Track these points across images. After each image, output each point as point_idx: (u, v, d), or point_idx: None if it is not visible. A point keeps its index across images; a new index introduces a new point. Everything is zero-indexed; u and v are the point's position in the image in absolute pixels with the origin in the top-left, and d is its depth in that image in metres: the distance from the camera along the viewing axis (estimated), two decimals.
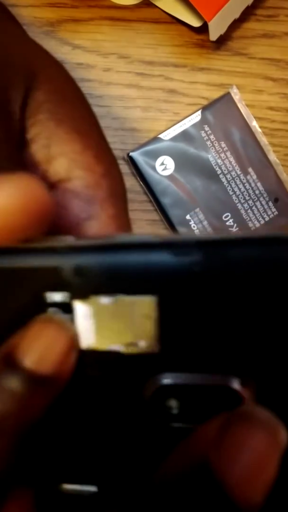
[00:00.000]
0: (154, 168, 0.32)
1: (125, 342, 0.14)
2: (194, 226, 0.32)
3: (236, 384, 0.14)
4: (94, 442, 0.16)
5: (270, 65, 0.33)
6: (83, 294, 0.14)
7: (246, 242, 0.13)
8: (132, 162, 0.32)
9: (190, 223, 0.32)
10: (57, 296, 0.14)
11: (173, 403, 0.15)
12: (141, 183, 0.32)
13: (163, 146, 0.32)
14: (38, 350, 0.14)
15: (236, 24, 0.32)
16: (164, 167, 0.32)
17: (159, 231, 0.33)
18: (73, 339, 0.14)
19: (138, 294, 0.14)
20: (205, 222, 0.32)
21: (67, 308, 0.15)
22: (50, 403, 0.14)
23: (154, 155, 0.32)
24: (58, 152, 0.19)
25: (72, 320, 0.15)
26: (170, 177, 0.32)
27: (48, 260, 0.14)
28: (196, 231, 0.32)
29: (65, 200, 0.19)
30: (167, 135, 0.32)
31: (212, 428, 0.13)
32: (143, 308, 0.14)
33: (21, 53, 0.19)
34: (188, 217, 0.32)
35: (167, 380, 0.15)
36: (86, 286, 0.14)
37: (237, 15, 0.31)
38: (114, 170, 0.20)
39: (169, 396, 0.15)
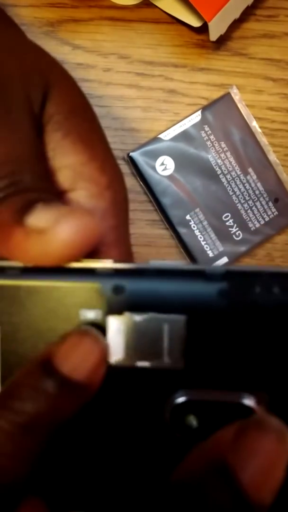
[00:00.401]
0: (154, 168, 0.32)
1: (153, 360, 0.16)
2: (194, 227, 0.32)
3: (251, 402, 0.16)
4: (111, 456, 0.17)
5: (270, 65, 0.33)
6: (118, 310, 0.16)
7: (270, 277, 0.16)
8: (132, 162, 0.32)
9: (190, 223, 0.32)
10: (90, 314, 0.16)
11: (192, 419, 0.16)
12: (141, 183, 0.32)
13: (163, 146, 0.32)
14: (74, 359, 0.15)
15: (236, 24, 0.32)
16: (164, 167, 0.32)
17: (159, 232, 0.33)
18: (105, 352, 0.16)
19: (168, 313, 0.16)
20: (205, 222, 0.32)
21: (98, 326, 0.16)
22: (78, 409, 0.16)
23: (154, 155, 0.32)
24: (63, 164, 0.20)
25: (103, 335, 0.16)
26: (170, 177, 0.32)
27: (88, 279, 0.16)
28: (196, 231, 0.32)
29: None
30: (167, 135, 0.32)
31: (228, 433, 0.14)
32: (172, 326, 0.16)
33: (38, 63, 0.20)
34: (188, 217, 0.32)
35: (187, 396, 0.16)
36: (122, 303, 0.16)
37: (237, 15, 0.31)
38: (117, 182, 0.21)
39: (188, 412, 0.16)
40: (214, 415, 0.16)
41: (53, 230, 0.16)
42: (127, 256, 0.21)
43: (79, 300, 0.16)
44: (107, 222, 0.20)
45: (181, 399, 0.16)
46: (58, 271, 0.16)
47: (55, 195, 0.19)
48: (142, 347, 0.16)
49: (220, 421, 0.16)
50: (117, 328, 0.16)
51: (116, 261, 0.17)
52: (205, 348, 0.16)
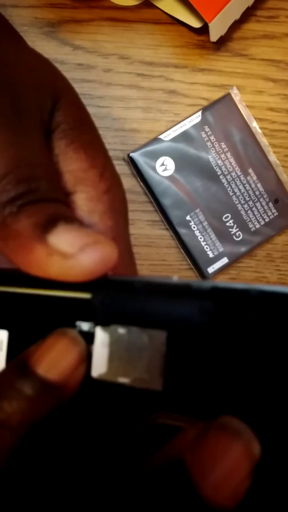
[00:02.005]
0: (154, 169, 0.32)
1: (134, 375, 0.16)
2: (194, 227, 0.32)
3: None
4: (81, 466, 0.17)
5: (270, 66, 0.33)
6: (105, 322, 0.16)
7: (258, 296, 0.15)
8: (132, 162, 0.32)
9: (190, 223, 0.32)
10: (85, 325, 0.17)
11: (160, 442, 0.16)
12: (141, 183, 0.32)
13: (163, 147, 0.32)
14: (49, 359, 0.16)
15: (236, 25, 0.32)
16: (164, 167, 0.32)
17: (159, 232, 0.33)
18: (83, 353, 0.16)
19: (151, 328, 0.16)
20: (205, 223, 0.32)
21: (90, 339, 0.16)
22: (54, 409, 0.16)
23: (155, 155, 0.32)
24: (65, 169, 0.20)
25: (92, 349, 0.16)
26: (170, 177, 0.32)
27: (82, 290, 0.16)
28: (196, 232, 0.32)
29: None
30: (167, 135, 0.32)
31: (190, 433, 0.14)
32: (153, 341, 0.16)
33: (48, 76, 0.21)
34: (188, 217, 0.32)
35: (162, 419, 0.16)
36: (110, 315, 0.16)
37: (237, 16, 0.31)
38: (116, 189, 0.22)
39: (162, 435, 0.16)
40: None
41: (77, 257, 0.16)
42: (126, 253, 0.22)
43: (76, 311, 0.17)
44: (105, 223, 0.21)
45: (155, 422, 0.16)
46: (58, 283, 0.17)
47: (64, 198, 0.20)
48: (124, 361, 0.16)
49: None
50: (102, 340, 0.16)
51: (112, 274, 0.17)
52: (185, 368, 0.15)
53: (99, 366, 0.16)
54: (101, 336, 0.16)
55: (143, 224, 0.33)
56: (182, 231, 0.32)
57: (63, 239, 0.16)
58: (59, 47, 0.32)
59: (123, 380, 0.16)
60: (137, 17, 0.32)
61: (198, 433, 0.14)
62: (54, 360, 0.16)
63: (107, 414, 0.16)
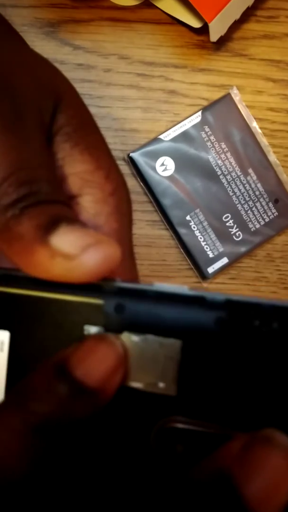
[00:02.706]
0: (154, 169, 0.32)
1: (147, 381, 0.16)
2: (194, 227, 0.32)
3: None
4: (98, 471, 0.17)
5: (270, 66, 0.33)
6: (117, 329, 0.16)
7: (270, 311, 0.16)
8: (132, 162, 0.32)
9: (190, 223, 0.32)
10: (93, 330, 0.17)
11: (177, 446, 0.16)
12: (141, 183, 0.32)
13: (163, 147, 0.32)
14: (88, 363, 0.15)
15: (236, 25, 0.32)
16: (164, 167, 0.32)
17: (159, 232, 0.33)
18: (122, 359, 0.16)
19: (166, 336, 0.16)
20: (205, 223, 0.32)
21: None
22: (90, 416, 0.16)
23: (155, 155, 0.32)
24: (71, 172, 0.21)
25: None
26: (170, 177, 0.32)
27: (93, 296, 0.17)
28: (196, 232, 0.32)
29: (75, 213, 0.21)
30: (167, 136, 0.32)
31: (235, 445, 0.15)
32: (168, 349, 0.16)
33: (49, 77, 0.21)
34: (188, 217, 0.32)
35: (175, 423, 0.16)
36: (122, 322, 0.16)
37: (237, 16, 0.31)
38: (121, 190, 0.22)
39: (175, 438, 0.16)
40: (200, 445, 0.16)
41: (80, 258, 0.16)
42: (128, 256, 0.22)
43: (84, 315, 0.17)
44: (111, 225, 0.21)
45: (169, 425, 0.16)
46: (70, 285, 0.17)
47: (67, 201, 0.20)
48: (138, 367, 0.16)
49: (204, 452, 0.16)
50: None
51: (121, 280, 0.17)
52: (198, 374, 0.16)
53: None
54: None
55: (143, 224, 0.33)
56: (182, 231, 0.32)
57: (65, 240, 0.16)
58: (59, 47, 0.32)
59: (136, 384, 0.16)
60: (137, 17, 0.32)
61: (243, 445, 0.14)
62: (93, 365, 0.15)
63: (120, 417, 0.17)
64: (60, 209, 0.18)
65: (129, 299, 0.16)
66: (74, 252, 0.16)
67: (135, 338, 0.16)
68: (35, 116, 0.19)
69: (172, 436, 0.16)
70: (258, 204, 0.33)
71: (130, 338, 0.16)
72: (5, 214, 0.17)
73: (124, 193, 0.22)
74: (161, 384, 0.16)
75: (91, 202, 0.21)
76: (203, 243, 0.32)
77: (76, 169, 0.21)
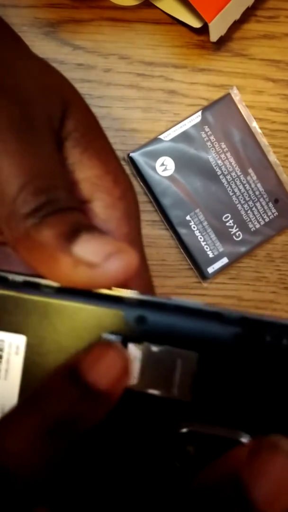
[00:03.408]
0: (154, 169, 0.32)
1: (163, 389, 0.17)
2: (194, 227, 0.32)
3: (246, 440, 0.17)
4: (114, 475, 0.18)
5: (270, 66, 0.33)
6: (137, 339, 0.17)
7: (281, 329, 0.17)
8: (132, 162, 0.32)
9: (190, 223, 0.32)
10: (111, 338, 0.17)
11: (192, 449, 0.17)
12: (141, 183, 0.32)
13: (163, 147, 0.32)
14: (100, 368, 0.16)
15: (236, 25, 0.32)
16: (164, 167, 0.32)
17: (159, 232, 0.33)
18: (127, 365, 0.17)
19: (183, 348, 0.17)
20: (205, 223, 0.32)
21: None
22: (100, 419, 0.16)
23: (154, 155, 0.32)
24: (81, 177, 0.21)
25: None
26: (170, 177, 0.32)
27: (114, 306, 0.17)
28: (196, 232, 0.32)
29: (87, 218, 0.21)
30: (167, 135, 0.32)
31: (243, 450, 0.15)
32: (185, 361, 0.17)
33: (56, 84, 0.21)
34: (188, 217, 0.32)
35: (190, 427, 0.17)
36: (142, 333, 0.17)
37: (237, 16, 0.31)
38: (130, 193, 0.22)
39: (189, 443, 0.17)
40: (214, 449, 0.17)
41: (102, 267, 0.17)
42: (141, 259, 0.22)
43: (102, 325, 0.18)
44: (121, 230, 0.21)
45: (184, 430, 0.17)
46: (90, 295, 0.18)
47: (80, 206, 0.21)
48: (155, 376, 0.17)
49: (216, 454, 0.17)
50: (134, 355, 0.17)
51: (140, 292, 0.18)
52: (213, 385, 0.17)
53: (130, 377, 0.17)
54: (133, 351, 0.17)
55: (143, 224, 0.33)
56: (182, 231, 0.32)
57: (87, 249, 0.17)
58: (59, 47, 0.32)
59: (152, 391, 0.17)
60: (137, 17, 0.32)
61: (250, 450, 0.15)
62: (104, 369, 0.16)
63: (135, 420, 0.18)
64: (78, 217, 0.18)
65: (149, 311, 0.17)
66: (96, 260, 0.17)
67: (154, 348, 0.17)
68: (45, 122, 0.19)
69: (186, 439, 0.17)
70: (258, 204, 0.33)
71: (149, 348, 0.17)
72: (25, 223, 0.17)
73: (132, 196, 0.22)
74: (176, 392, 0.17)
75: (101, 207, 0.21)
76: (203, 243, 0.32)
77: (86, 174, 0.21)
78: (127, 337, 0.17)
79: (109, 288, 0.18)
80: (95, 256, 0.17)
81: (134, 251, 0.17)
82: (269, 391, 0.17)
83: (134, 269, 0.17)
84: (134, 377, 0.17)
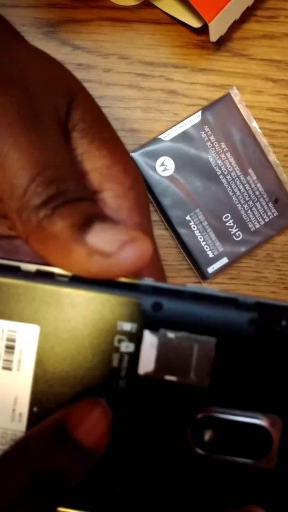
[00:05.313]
0: (154, 169, 0.32)
1: (180, 375, 0.17)
2: (194, 227, 0.32)
3: (266, 423, 0.18)
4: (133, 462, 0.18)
5: (270, 66, 0.33)
6: (154, 326, 0.17)
7: None
8: None
9: (190, 223, 0.32)
10: (127, 326, 0.18)
11: (209, 434, 0.18)
12: None
13: (163, 147, 0.32)
14: (86, 426, 0.16)
15: (236, 25, 0.32)
16: (164, 167, 0.32)
17: (159, 232, 0.33)
18: (111, 422, 0.17)
19: (200, 334, 0.17)
20: (205, 223, 0.32)
21: (132, 338, 0.18)
22: (83, 477, 0.17)
23: (154, 155, 0.32)
24: (91, 167, 0.21)
25: (135, 348, 0.18)
26: (170, 177, 0.32)
27: (130, 294, 0.18)
28: (196, 232, 0.32)
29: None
30: (167, 135, 0.32)
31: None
32: (202, 347, 0.17)
33: (60, 75, 0.21)
34: (188, 217, 0.32)
35: (209, 412, 0.18)
36: (158, 320, 0.17)
37: (237, 16, 0.31)
38: (139, 183, 0.22)
39: (207, 427, 0.18)
40: (233, 433, 0.18)
41: (117, 256, 0.17)
42: (154, 249, 0.22)
43: (118, 312, 0.18)
44: (133, 219, 0.21)
45: (202, 415, 0.18)
46: (104, 283, 0.17)
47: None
48: (172, 362, 0.17)
49: (238, 439, 0.18)
50: (151, 342, 0.17)
51: (156, 280, 0.18)
52: (231, 370, 0.18)
53: (146, 365, 0.18)
54: (149, 338, 0.18)
55: None
56: (182, 231, 0.32)
57: (101, 238, 0.17)
58: (59, 47, 0.32)
59: (169, 378, 0.18)
60: (137, 17, 0.32)
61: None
62: (91, 427, 0.17)
63: (154, 407, 0.18)
64: (89, 207, 0.18)
65: (165, 298, 0.18)
66: (111, 249, 0.17)
67: (171, 334, 0.17)
68: (52, 113, 0.19)
69: (205, 424, 0.18)
70: (258, 204, 0.33)
71: (166, 335, 0.17)
72: (37, 214, 0.17)
73: (141, 185, 0.22)
74: (194, 378, 0.17)
75: (112, 197, 0.21)
76: (203, 243, 0.32)
77: (96, 165, 0.21)
78: (143, 325, 0.18)
79: (125, 276, 0.18)
80: (109, 245, 0.17)
81: (148, 239, 0.17)
82: (285, 375, 0.17)
83: (149, 257, 0.17)
84: (149, 365, 0.18)
